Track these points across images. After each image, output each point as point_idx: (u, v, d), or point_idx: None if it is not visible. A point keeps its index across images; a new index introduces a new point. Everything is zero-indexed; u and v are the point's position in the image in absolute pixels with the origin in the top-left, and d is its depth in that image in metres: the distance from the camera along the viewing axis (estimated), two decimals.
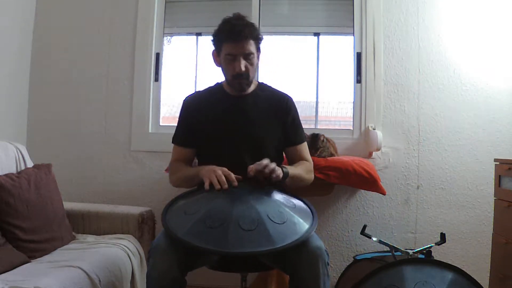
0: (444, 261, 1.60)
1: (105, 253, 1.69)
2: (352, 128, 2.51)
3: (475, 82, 2.42)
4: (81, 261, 1.53)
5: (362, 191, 2.39)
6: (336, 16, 2.70)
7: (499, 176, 1.99)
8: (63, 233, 1.79)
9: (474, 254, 2.37)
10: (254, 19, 2.53)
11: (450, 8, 2.44)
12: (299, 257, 1.34)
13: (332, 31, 2.72)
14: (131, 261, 1.79)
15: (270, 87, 1.78)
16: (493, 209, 2.05)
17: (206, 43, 1.67)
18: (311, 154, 2.03)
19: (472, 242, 2.39)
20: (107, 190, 2.52)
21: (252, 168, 1.46)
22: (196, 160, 1.79)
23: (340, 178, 2.02)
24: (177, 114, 1.79)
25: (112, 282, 1.60)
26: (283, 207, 1.43)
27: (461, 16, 2.44)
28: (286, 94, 1.76)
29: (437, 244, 1.96)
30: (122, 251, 1.77)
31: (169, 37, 2.72)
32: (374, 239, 1.99)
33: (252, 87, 1.72)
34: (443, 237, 1.94)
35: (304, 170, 1.67)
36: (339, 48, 2.69)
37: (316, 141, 2.14)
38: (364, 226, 2.01)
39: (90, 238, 1.89)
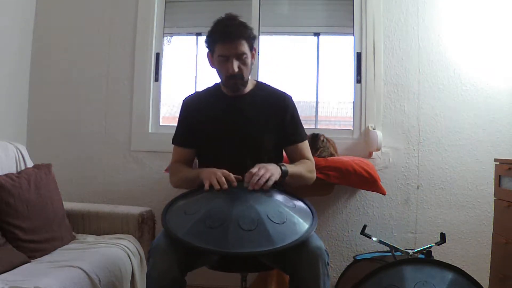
0: (444, 261, 1.60)
1: (105, 253, 1.69)
2: (352, 128, 2.51)
3: (475, 82, 2.42)
4: (81, 261, 1.53)
5: (362, 191, 2.39)
6: (336, 16, 2.70)
7: (499, 176, 1.99)
8: (63, 233, 1.79)
9: (474, 254, 2.37)
10: (254, 19, 2.53)
11: (450, 8, 2.44)
12: (299, 257, 1.34)
13: (332, 31, 2.72)
14: (131, 261, 1.79)
15: (269, 86, 1.77)
16: (493, 209, 2.05)
17: (204, 42, 1.66)
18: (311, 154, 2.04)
19: (472, 242, 2.39)
20: (107, 190, 2.52)
21: (249, 184, 1.45)
22: (196, 161, 1.79)
23: (340, 178, 2.02)
24: (177, 114, 1.79)
25: (112, 282, 1.60)
26: (283, 207, 1.43)
27: (461, 16, 2.44)
28: (285, 93, 1.74)
29: (437, 244, 1.96)
30: (122, 251, 1.77)
31: (169, 37, 2.72)
32: (374, 239, 1.99)
33: (250, 87, 1.71)
34: (443, 237, 1.94)
35: (304, 168, 1.67)
36: (339, 48, 2.69)
37: (316, 141, 2.14)
38: (364, 226, 2.01)
39: (90, 238, 1.89)
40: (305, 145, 1.74)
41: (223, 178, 1.45)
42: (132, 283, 1.79)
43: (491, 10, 2.43)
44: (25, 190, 1.66)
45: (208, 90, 1.77)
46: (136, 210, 2.05)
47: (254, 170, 1.48)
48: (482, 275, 2.04)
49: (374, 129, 2.39)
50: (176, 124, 1.77)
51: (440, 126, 2.42)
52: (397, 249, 1.93)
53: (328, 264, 1.38)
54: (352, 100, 2.53)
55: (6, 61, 2.40)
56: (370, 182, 2.07)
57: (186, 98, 1.77)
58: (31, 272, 1.41)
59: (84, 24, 2.59)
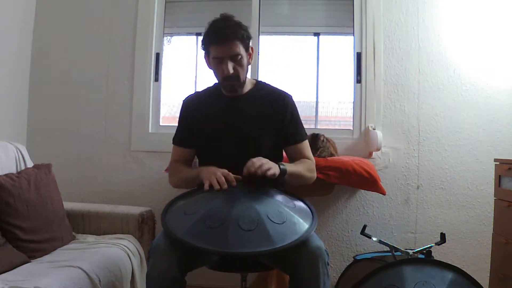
0: (444, 261, 1.60)
1: (105, 253, 1.69)
2: (352, 128, 2.51)
3: (475, 82, 2.42)
4: (81, 261, 1.53)
5: (362, 191, 2.39)
6: (336, 16, 2.70)
7: (499, 176, 1.99)
8: (63, 233, 1.79)
9: (474, 254, 2.37)
10: (254, 19, 2.53)
11: (450, 8, 2.44)
12: (299, 257, 1.34)
13: (332, 31, 2.72)
14: (131, 261, 1.79)
15: (268, 85, 1.76)
16: (493, 209, 2.05)
17: (200, 44, 1.66)
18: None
19: (472, 242, 2.39)
20: (107, 190, 2.52)
21: (245, 171, 1.46)
22: (196, 160, 1.79)
23: (340, 178, 2.02)
24: (177, 114, 1.79)
25: (112, 282, 1.60)
26: (283, 207, 1.43)
27: (461, 16, 2.44)
28: (285, 92, 1.73)
29: (437, 244, 1.96)
30: (122, 251, 1.77)
31: (169, 37, 2.73)
32: (374, 239, 1.99)
33: (249, 86, 1.70)
34: (443, 237, 1.94)
35: (304, 167, 1.66)
36: (339, 48, 2.69)
37: (316, 141, 2.14)
38: (364, 226, 2.01)
39: (90, 238, 1.89)
40: (306, 145, 1.73)
41: (223, 178, 1.45)
42: (132, 283, 1.79)
43: (491, 10, 2.43)
44: (25, 190, 1.66)
45: (208, 90, 1.77)
46: (136, 210, 2.05)
47: (253, 160, 1.47)
48: (482, 275, 2.04)
49: (374, 129, 2.39)
50: (176, 124, 1.77)
51: (440, 126, 2.42)
52: (397, 249, 1.93)
53: (328, 264, 1.38)
54: (352, 100, 2.53)
55: (6, 61, 2.40)
56: (370, 182, 2.07)
57: (186, 98, 1.77)
58: (31, 272, 1.41)
59: (84, 24, 2.59)
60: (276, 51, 2.68)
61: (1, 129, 2.34)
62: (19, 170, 1.87)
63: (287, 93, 1.73)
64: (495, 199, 2.03)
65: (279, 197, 1.50)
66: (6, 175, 1.67)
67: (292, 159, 1.72)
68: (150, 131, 2.56)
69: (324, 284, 1.34)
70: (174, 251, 1.33)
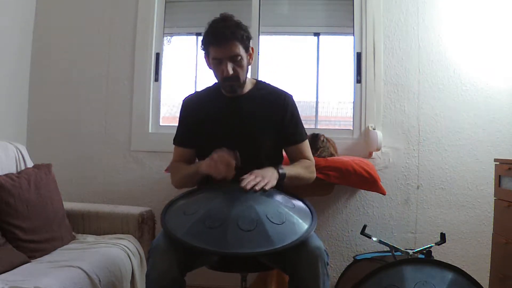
0: (444, 261, 1.60)
1: (105, 253, 1.69)
2: (352, 128, 2.51)
3: (475, 82, 2.42)
4: (81, 261, 1.53)
5: (362, 191, 2.38)
6: (336, 16, 2.70)
7: (499, 176, 1.99)
8: (63, 233, 1.79)
9: (474, 254, 2.37)
10: (254, 19, 2.53)
11: (450, 8, 2.44)
12: (298, 257, 1.34)
13: (332, 31, 2.72)
14: (131, 261, 1.79)
15: (268, 85, 1.75)
16: (493, 209, 2.05)
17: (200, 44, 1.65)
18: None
19: (472, 242, 2.39)
20: (107, 190, 2.52)
21: (243, 186, 1.44)
22: (197, 161, 1.79)
23: (340, 178, 2.02)
24: (177, 114, 1.79)
25: (112, 282, 1.60)
26: (282, 207, 1.43)
27: (461, 16, 2.44)
28: (285, 92, 1.73)
29: (437, 244, 1.96)
30: (122, 251, 1.77)
31: (169, 37, 2.73)
32: (374, 239, 1.99)
33: (249, 86, 1.70)
34: (443, 237, 1.94)
35: (303, 168, 1.66)
36: (339, 48, 2.69)
37: (316, 141, 2.14)
38: (364, 226, 2.01)
39: (90, 238, 1.89)
40: (306, 145, 1.73)
41: (222, 164, 1.48)
42: (132, 283, 1.79)
43: (491, 10, 2.43)
44: (25, 190, 1.66)
45: (208, 90, 1.77)
46: (136, 210, 2.05)
47: (250, 177, 1.46)
48: (482, 275, 2.04)
49: (374, 129, 2.39)
50: (176, 124, 1.77)
51: (440, 126, 2.42)
52: (397, 249, 1.93)
53: (327, 264, 1.38)
54: (352, 100, 2.53)
55: (6, 61, 2.40)
56: (370, 182, 2.07)
57: (186, 98, 1.77)
58: (31, 272, 1.41)
59: (84, 24, 2.59)
60: (276, 51, 2.68)
61: (1, 129, 2.34)
62: (19, 170, 1.87)
63: (288, 93, 1.73)
64: (495, 199, 2.03)
65: (279, 197, 1.49)
66: (6, 175, 1.67)
67: (292, 159, 1.72)
68: (150, 131, 2.56)
69: (323, 284, 1.34)
70: (174, 251, 1.33)
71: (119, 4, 2.58)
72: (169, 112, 2.74)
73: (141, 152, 2.53)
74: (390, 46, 2.45)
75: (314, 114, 2.67)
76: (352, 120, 2.52)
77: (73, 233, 1.91)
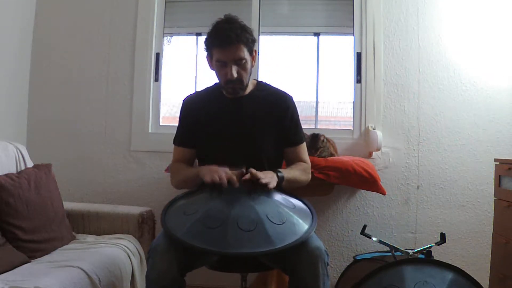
0: (444, 261, 1.60)
1: (105, 253, 1.69)
2: (352, 128, 2.51)
3: (475, 82, 2.42)
4: (81, 261, 1.53)
5: (362, 191, 2.38)
6: (336, 16, 2.70)
7: (499, 176, 1.99)
8: (63, 233, 1.79)
9: (474, 254, 2.37)
10: (254, 19, 2.53)
11: (450, 8, 2.44)
12: (298, 257, 1.34)
13: (332, 31, 2.72)
14: (131, 261, 1.79)
15: (269, 85, 1.75)
16: (493, 209, 2.05)
17: (203, 43, 1.64)
18: (311, 154, 2.03)
19: (472, 242, 2.39)
20: (107, 190, 2.52)
21: (246, 182, 1.44)
22: (197, 161, 1.79)
23: (340, 178, 2.02)
24: (177, 114, 1.79)
25: (112, 282, 1.60)
26: (282, 207, 1.43)
27: (461, 16, 2.44)
28: (286, 93, 1.73)
29: (437, 244, 1.95)
30: (122, 251, 1.77)
31: (169, 37, 2.72)
32: (374, 239, 1.99)
33: (250, 87, 1.69)
34: (443, 237, 1.94)
35: (300, 172, 1.66)
36: (339, 48, 2.69)
37: (316, 141, 2.14)
38: (364, 226, 2.01)
39: (90, 238, 1.89)
40: (303, 147, 1.73)
41: (223, 175, 1.42)
42: (132, 283, 1.79)
43: (491, 10, 2.43)
44: (25, 190, 1.66)
45: (208, 90, 1.76)
46: (136, 210, 2.05)
47: (253, 174, 1.45)
48: (482, 275, 2.04)
49: (374, 129, 2.39)
50: (176, 124, 1.77)
51: (440, 126, 2.42)
52: (397, 249, 1.93)
53: (327, 264, 1.38)
54: (352, 100, 2.53)
55: (6, 61, 2.40)
56: (370, 182, 2.07)
57: (186, 97, 1.76)
58: (31, 272, 1.41)
59: (84, 24, 2.59)
60: (276, 51, 2.68)
61: (1, 129, 2.34)
62: (19, 170, 1.87)
63: (288, 94, 1.73)
64: (495, 199, 2.03)
65: (279, 198, 1.49)
66: (6, 175, 1.67)
67: (289, 161, 1.71)
68: (150, 131, 2.56)
69: (323, 284, 1.34)
70: (174, 251, 1.33)
71: (119, 4, 2.58)
72: (169, 112, 2.74)
73: (141, 152, 2.53)
74: (390, 46, 2.45)
75: (314, 114, 2.67)
76: (352, 120, 2.52)
77: (73, 233, 1.91)
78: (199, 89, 1.84)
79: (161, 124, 2.61)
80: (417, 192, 2.41)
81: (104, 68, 2.57)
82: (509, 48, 2.42)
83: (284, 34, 2.78)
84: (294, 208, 1.46)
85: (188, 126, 1.71)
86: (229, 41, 1.51)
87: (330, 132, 2.38)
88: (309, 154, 1.80)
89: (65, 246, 1.75)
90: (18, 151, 1.93)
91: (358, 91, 2.49)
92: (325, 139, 2.18)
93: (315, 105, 2.66)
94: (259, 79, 1.81)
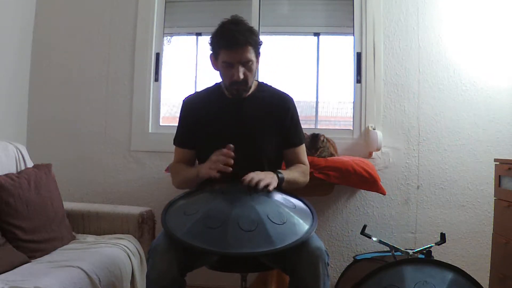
0: (444, 261, 1.60)
1: (105, 253, 1.69)
2: (352, 128, 2.51)
3: (475, 82, 2.42)
4: (81, 261, 1.53)
5: (362, 191, 2.39)
6: (336, 16, 2.70)
7: (499, 176, 1.99)
8: (63, 233, 1.79)
9: (474, 254, 2.37)
10: (254, 19, 2.53)
11: (450, 8, 2.44)
12: (299, 258, 1.34)
13: (332, 31, 2.72)
14: (131, 261, 1.79)
15: (270, 87, 1.75)
16: (493, 209, 2.05)
17: (206, 43, 1.63)
18: (311, 154, 2.04)
19: (472, 242, 2.39)
20: (107, 190, 2.52)
21: (245, 182, 1.45)
22: (197, 162, 1.78)
23: (340, 178, 2.02)
24: (177, 114, 1.78)
25: (112, 282, 1.60)
26: (283, 207, 1.43)
27: (461, 16, 2.44)
28: (286, 94, 1.73)
29: (437, 244, 1.95)
30: (122, 251, 1.77)
31: (169, 37, 2.72)
32: (374, 239, 1.99)
33: (251, 88, 1.68)
34: (443, 237, 1.94)
35: (300, 173, 1.66)
36: (339, 48, 2.69)
37: (316, 141, 2.14)
38: (364, 226, 2.01)
39: (90, 238, 1.89)
40: (302, 149, 1.73)
41: (220, 164, 1.48)
42: (132, 283, 1.79)
43: (491, 10, 2.43)
44: (25, 190, 1.66)
45: (209, 90, 1.76)
46: (136, 210, 2.05)
47: (252, 175, 1.47)
48: (482, 275, 2.04)
49: (374, 129, 2.39)
50: (176, 124, 1.76)
51: (440, 126, 2.42)
52: (397, 249, 1.93)
53: (328, 264, 1.38)
54: (352, 100, 2.53)
55: (6, 61, 2.40)
56: (370, 182, 2.07)
57: (186, 98, 1.76)
58: (31, 272, 1.41)
59: (84, 24, 2.59)
60: (276, 51, 2.68)
61: (1, 129, 2.34)
62: (19, 170, 1.87)
63: (289, 96, 1.73)
64: (495, 199, 2.03)
65: (279, 198, 1.49)
66: (6, 175, 1.67)
67: (288, 162, 1.72)
68: (150, 131, 2.56)
69: (324, 284, 1.34)
70: (174, 251, 1.33)
71: (119, 4, 2.58)
72: (169, 112, 2.74)
73: (141, 152, 2.53)
74: (390, 46, 2.46)
75: (314, 114, 2.67)
76: (352, 120, 2.52)
77: (73, 233, 1.91)
78: (199, 89, 1.84)
79: (161, 124, 2.61)
80: (417, 192, 2.41)
81: (104, 68, 2.57)
82: (509, 48, 2.42)
83: (284, 34, 2.78)
84: (294, 208, 1.46)
85: (188, 126, 1.71)
86: (237, 43, 1.51)
87: (330, 132, 2.38)
88: (309, 154, 1.81)
89: (65, 246, 1.75)
90: (18, 151, 1.93)
91: (358, 91, 2.49)
92: (325, 139, 2.18)
93: (315, 105, 2.66)
94: (260, 80, 1.81)
